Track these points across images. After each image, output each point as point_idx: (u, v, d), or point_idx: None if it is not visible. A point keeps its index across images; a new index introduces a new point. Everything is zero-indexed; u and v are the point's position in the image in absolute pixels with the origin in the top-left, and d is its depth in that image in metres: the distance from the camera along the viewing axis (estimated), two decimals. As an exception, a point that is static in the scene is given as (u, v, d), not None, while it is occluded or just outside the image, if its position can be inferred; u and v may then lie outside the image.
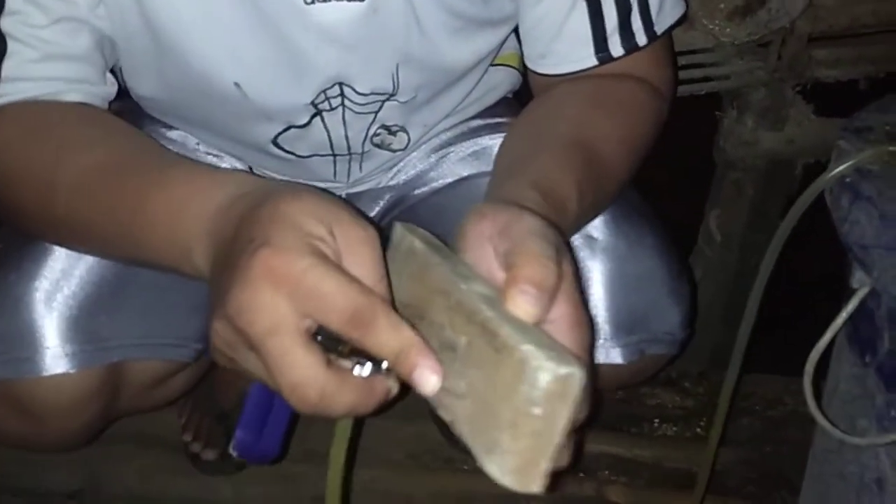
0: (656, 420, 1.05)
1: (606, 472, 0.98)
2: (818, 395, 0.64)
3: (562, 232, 0.47)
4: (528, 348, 0.36)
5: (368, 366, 0.40)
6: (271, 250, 0.38)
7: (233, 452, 0.49)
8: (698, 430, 1.04)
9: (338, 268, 0.39)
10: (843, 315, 0.57)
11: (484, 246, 0.43)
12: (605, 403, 1.05)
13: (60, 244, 0.62)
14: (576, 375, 0.36)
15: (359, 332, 0.38)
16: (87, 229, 0.56)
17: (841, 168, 0.56)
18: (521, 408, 0.36)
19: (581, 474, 0.98)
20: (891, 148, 0.55)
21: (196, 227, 0.46)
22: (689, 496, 0.93)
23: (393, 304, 0.41)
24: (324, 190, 0.48)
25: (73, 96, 0.59)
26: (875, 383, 0.57)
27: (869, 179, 0.55)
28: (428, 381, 0.38)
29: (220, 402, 0.96)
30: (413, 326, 0.40)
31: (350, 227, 0.41)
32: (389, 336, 0.38)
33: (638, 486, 0.97)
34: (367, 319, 0.38)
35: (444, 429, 1.01)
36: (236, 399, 0.96)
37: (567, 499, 0.95)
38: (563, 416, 0.36)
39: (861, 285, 0.56)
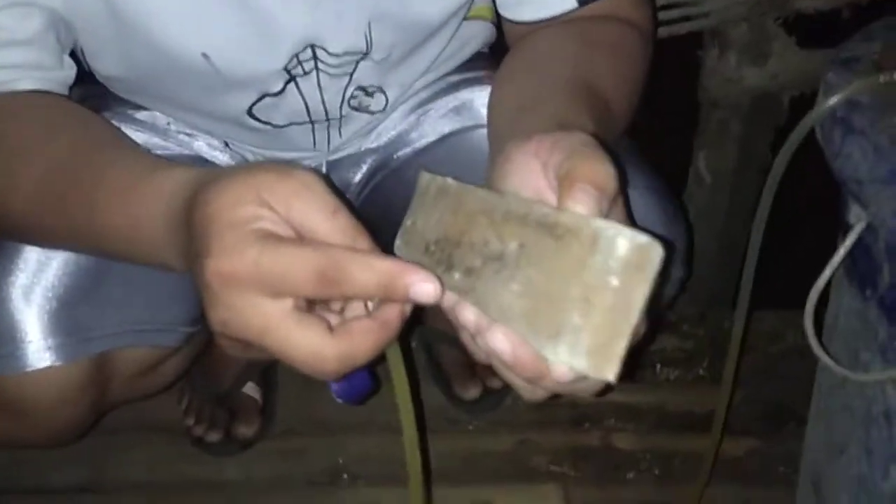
0: (658, 365, 1.05)
1: (612, 421, 0.99)
2: (819, 331, 0.64)
3: None
4: (601, 222, 0.34)
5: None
6: (214, 260, 0.38)
7: (337, 400, 0.49)
8: (701, 371, 1.05)
9: (284, 240, 0.38)
10: (841, 251, 0.56)
11: (531, 163, 0.41)
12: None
13: (26, 243, 0.61)
14: (655, 247, 0.33)
15: (334, 289, 0.37)
16: (49, 236, 0.55)
17: (830, 102, 0.54)
18: (594, 281, 0.33)
19: (586, 424, 0.98)
20: (881, 78, 0.54)
21: (150, 236, 0.46)
22: (695, 438, 0.94)
23: (371, 227, 0.40)
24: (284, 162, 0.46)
25: (26, 84, 0.57)
26: (877, 317, 0.57)
27: (860, 112, 0.54)
28: (426, 292, 0.37)
29: (217, 385, 0.96)
30: (447, 261, 0.39)
31: (279, 187, 0.39)
32: (366, 277, 0.37)
33: (643, 432, 0.98)
34: (335, 275, 0.37)
35: (446, 391, 1.02)
36: (233, 380, 0.96)
37: (574, 448, 0.95)
38: (641, 292, 0.33)
39: (857, 220, 0.55)
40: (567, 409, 1.00)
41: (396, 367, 0.43)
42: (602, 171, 0.38)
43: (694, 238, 1.07)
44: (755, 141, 1.00)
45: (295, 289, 0.37)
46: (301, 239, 0.39)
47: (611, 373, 0.34)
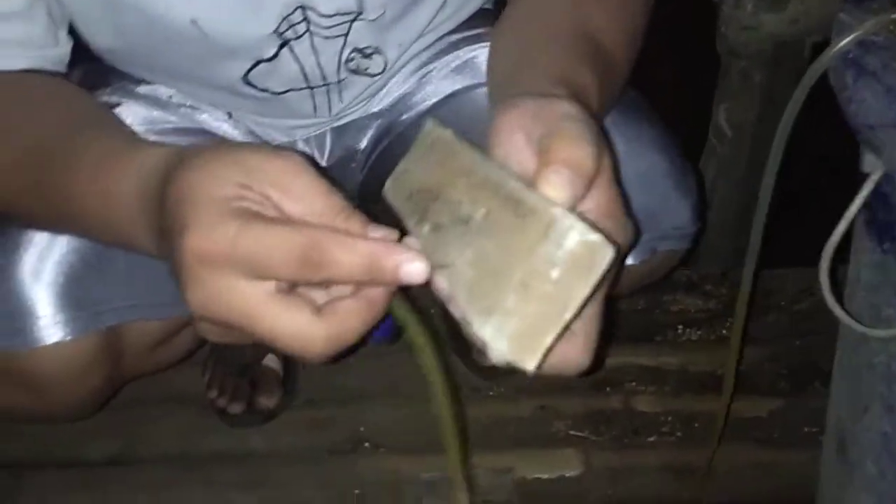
0: (680, 326, 1.03)
1: (633, 383, 0.97)
2: (842, 289, 0.61)
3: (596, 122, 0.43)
4: (559, 211, 0.33)
5: None
6: (191, 237, 0.36)
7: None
8: (724, 331, 1.03)
9: (264, 219, 0.36)
10: (857, 202, 0.54)
11: (515, 135, 0.40)
12: (627, 314, 1.04)
13: (23, 226, 0.61)
14: (606, 248, 0.32)
15: (317, 272, 0.36)
16: (30, 217, 0.55)
17: (842, 43, 0.51)
18: (538, 267, 0.32)
19: (607, 388, 0.97)
20: (894, 15, 0.50)
21: (124, 215, 0.45)
22: (717, 400, 0.92)
23: (366, 209, 0.39)
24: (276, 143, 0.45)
25: (17, 62, 0.56)
26: (896, 269, 0.55)
27: (873, 52, 0.51)
28: (414, 272, 0.36)
29: (238, 357, 0.97)
30: (421, 212, 0.38)
31: (267, 166, 0.38)
32: (350, 259, 0.36)
33: (665, 394, 0.96)
34: (317, 257, 0.35)
35: (468, 361, 1.02)
36: (253, 352, 0.97)
37: (594, 412, 0.95)
38: (581, 290, 0.32)
39: (873, 169, 0.52)
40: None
41: (414, 331, 0.40)
42: (578, 152, 0.37)
43: (714, 197, 1.04)
44: (777, 90, 0.96)
45: (275, 271, 0.36)
46: (284, 219, 0.37)
47: (531, 363, 0.33)
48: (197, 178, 0.38)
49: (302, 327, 0.36)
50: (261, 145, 0.40)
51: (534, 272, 0.32)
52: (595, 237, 0.32)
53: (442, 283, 0.37)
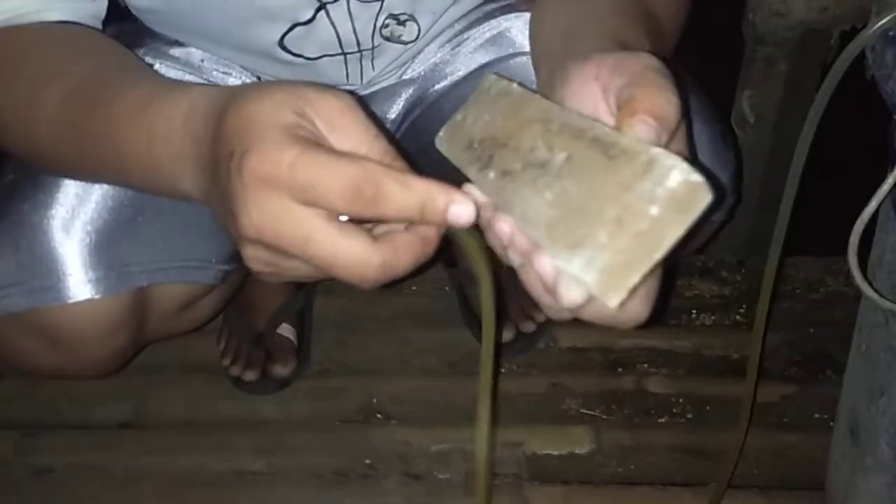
0: (694, 311, 1.04)
1: (646, 365, 0.98)
2: (863, 270, 0.61)
3: None
4: (660, 150, 0.33)
5: None
6: (252, 158, 0.36)
7: None
8: (737, 317, 1.03)
9: (324, 149, 0.37)
10: (890, 181, 0.54)
11: (591, 85, 0.40)
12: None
13: (61, 176, 0.61)
14: (705, 190, 0.32)
15: (370, 207, 0.36)
16: (73, 165, 0.55)
17: (884, 21, 0.51)
18: (634, 205, 0.32)
19: (619, 369, 0.98)
20: (938, -6, 0.50)
21: (169, 153, 0.45)
22: (730, 383, 0.93)
23: (409, 159, 0.40)
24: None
25: (53, 14, 0.56)
26: (923, 251, 0.55)
27: (914, 32, 0.51)
28: (464, 214, 0.37)
29: (253, 325, 0.97)
30: (486, 159, 0.38)
31: (321, 103, 0.38)
32: (404, 196, 0.36)
33: (678, 377, 0.96)
34: (371, 192, 0.36)
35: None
36: (268, 321, 0.97)
37: (606, 392, 0.95)
38: (676, 230, 0.32)
39: (907, 148, 0.52)
40: (601, 353, 0.99)
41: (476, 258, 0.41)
42: (664, 102, 0.37)
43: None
44: (802, 79, 0.96)
45: (329, 201, 0.36)
46: (343, 152, 0.38)
47: (616, 299, 0.33)
48: (257, 106, 0.38)
49: (359, 253, 0.37)
50: (316, 83, 0.40)
51: (630, 208, 0.32)
52: (698, 178, 0.32)
53: (505, 227, 0.38)
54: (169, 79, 0.56)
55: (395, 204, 0.36)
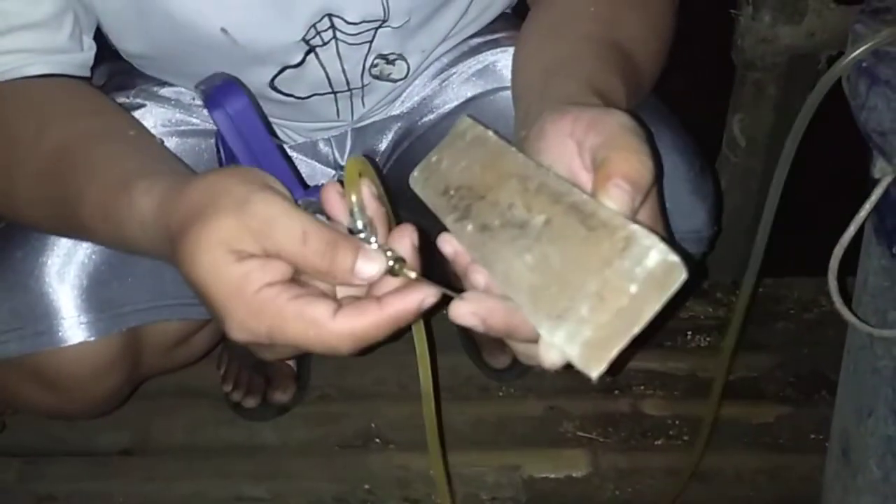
0: (689, 332, 1.04)
1: (642, 387, 0.98)
2: (850, 295, 0.62)
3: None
4: (638, 228, 0.34)
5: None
6: (217, 290, 0.40)
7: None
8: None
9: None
10: (867, 207, 0.55)
11: (566, 142, 0.41)
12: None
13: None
14: (681, 270, 0.33)
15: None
16: (60, 234, 0.58)
17: (856, 53, 0.53)
18: (614, 281, 0.33)
19: (615, 391, 0.98)
20: (908, 26, 0.52)
21: (145, 247, 0.48)
22: (725, 405, 0.93)
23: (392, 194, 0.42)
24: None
25: (36, 68, 0.57)
26: (904, 274, 0.56)
27: (886, 63, 0.52)
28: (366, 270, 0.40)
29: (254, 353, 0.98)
30: (463, 210, 0.40)
31: (252, 221, 0.40)
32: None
33: (674, 399, 0.97)
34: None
35: (477, 359, 1.03)
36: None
37: (603, 415, 0.96)
38: (653, 306, 0.33)
39: (883, 174, 0.54)
40: (597, 375, 0.99)
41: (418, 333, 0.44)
42: (639, 165, 0.38)
43: (726, 206, 1.05)
44: (791, 103, 0.97)
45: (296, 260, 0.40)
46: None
47: (596, 370, 0.34)
48: (204, 246, 0.41)
49: (333, 333, 0.39)
50: (230, 199, 0.41)
51: (610, 283, 0.34)
52: (674, 258, 0.33)
53: (480, 280, 0.39)
54: (133, 157, 0.55)
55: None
